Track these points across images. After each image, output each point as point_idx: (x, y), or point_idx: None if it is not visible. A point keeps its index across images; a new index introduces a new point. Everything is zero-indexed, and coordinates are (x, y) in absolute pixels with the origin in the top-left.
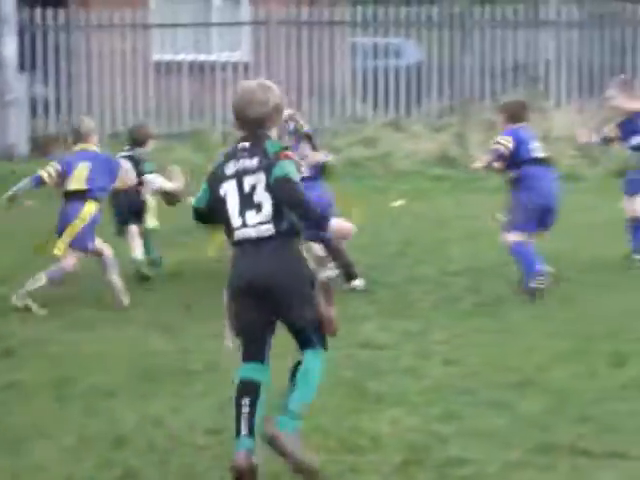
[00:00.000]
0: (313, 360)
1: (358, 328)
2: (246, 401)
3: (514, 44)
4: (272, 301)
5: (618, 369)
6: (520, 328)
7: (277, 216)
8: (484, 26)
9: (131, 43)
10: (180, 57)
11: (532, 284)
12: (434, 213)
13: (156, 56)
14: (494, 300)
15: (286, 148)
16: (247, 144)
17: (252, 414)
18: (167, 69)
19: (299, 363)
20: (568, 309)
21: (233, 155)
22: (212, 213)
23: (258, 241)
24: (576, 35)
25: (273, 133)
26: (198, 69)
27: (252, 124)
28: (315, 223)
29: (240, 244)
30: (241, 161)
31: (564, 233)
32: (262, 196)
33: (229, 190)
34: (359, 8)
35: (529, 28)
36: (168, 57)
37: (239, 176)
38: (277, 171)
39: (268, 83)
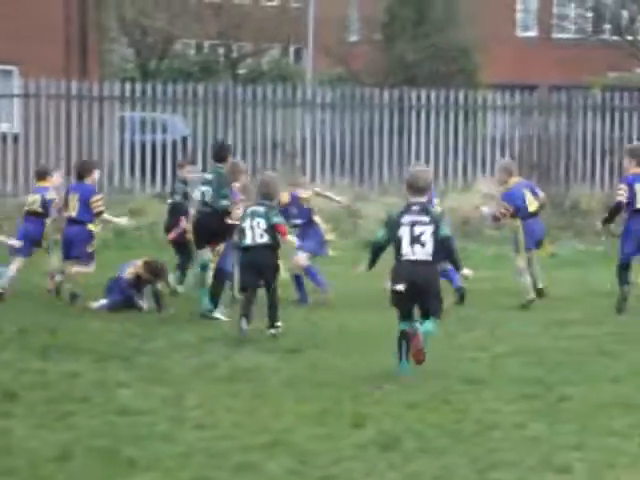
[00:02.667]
0: (432, 324)
1: (117, 395)
2: (403, 342)
3: (273, 122)
4: (421, 292)
5: (357, 430)
6: (272, 393)
7: (435, 252)
8: (246, 104)
9: None
10: None
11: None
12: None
13: None
14: (249, 366)
15: (442, 213)
16: (417, 206)
17: (407, 348)
18: None
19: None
20: (316, 374)
21: (407, 211)
22: (386, 245)
23: (417, 262)
24: (329, 115)
25: None
26: None
27: (421, 191)
28: (453, 262)
29: (405, 263)
30: (413, 216)
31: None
32: (427, 239)
33: (404, 232)
34: (128, 84)
35: (287, 108)
36: None
37: (412, 225)
38: (443, 231)
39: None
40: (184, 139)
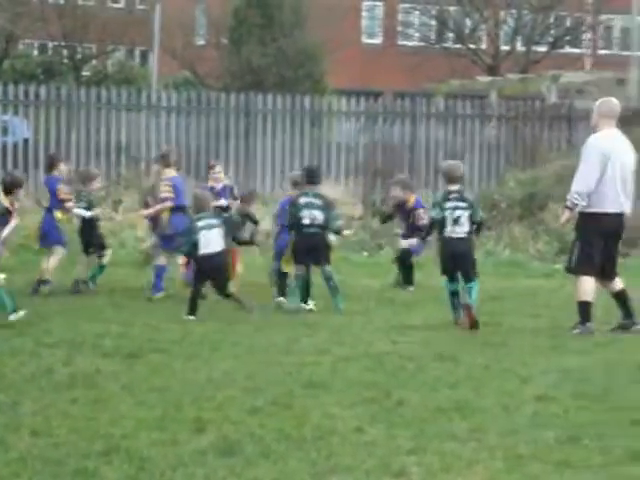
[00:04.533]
0: (475, 285)
1: None
2: (455, 299)
3: (118, 125)
4: (462, 261)
5: (198, 435)
6: (111, 398)
7: (469, 231)
8: (90, 107)
9: None
10: None
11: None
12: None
13: None
14: (88, 371)
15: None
16: (456, 193)
17: (458, 303)
18: None
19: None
20: (157, 378)
21: (446, 197)
22: (443, 221)
23: (459, 238)
24: (175, 119)
25: None
26: None
27: (457, 180)
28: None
29: (447, 239)
30: (454, 202)
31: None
32: (465, 220)
33: (447, 214)
34: None
35: (132, 111)
36: None
37: (453, 209)
38: (477, 216)
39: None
40: (25, 141)
